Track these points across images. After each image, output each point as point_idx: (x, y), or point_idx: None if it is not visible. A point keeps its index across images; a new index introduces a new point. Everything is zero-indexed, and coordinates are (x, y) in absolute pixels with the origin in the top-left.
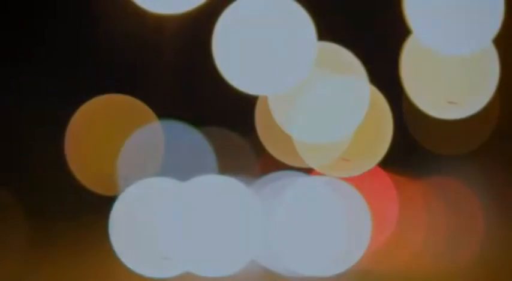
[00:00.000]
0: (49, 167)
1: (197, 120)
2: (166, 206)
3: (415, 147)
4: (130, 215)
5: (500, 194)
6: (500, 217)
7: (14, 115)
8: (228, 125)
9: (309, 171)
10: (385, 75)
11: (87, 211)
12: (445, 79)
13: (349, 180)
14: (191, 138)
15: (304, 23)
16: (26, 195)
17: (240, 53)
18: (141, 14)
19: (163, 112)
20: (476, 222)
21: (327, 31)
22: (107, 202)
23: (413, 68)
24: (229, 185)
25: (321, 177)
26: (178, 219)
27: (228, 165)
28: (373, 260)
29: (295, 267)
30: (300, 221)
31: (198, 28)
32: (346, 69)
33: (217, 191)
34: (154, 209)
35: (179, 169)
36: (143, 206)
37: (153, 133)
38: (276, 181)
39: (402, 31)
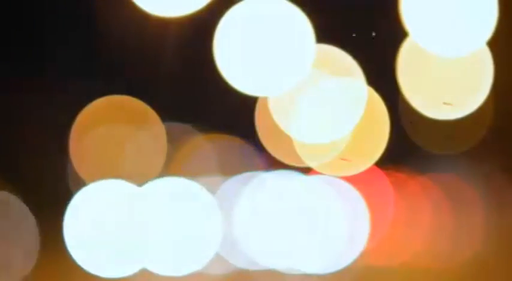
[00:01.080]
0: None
1: (198, 121)
2: (123, 207)
3: (411, 146)
4: (85, 216)
5: (496, 191)
6: (496, 214)
7: (16, 116)
8: (229, 125)
9: (307, 170)
10: (382, 76)
11: (44, 210)
12: (441, 80)
13: (347, 179)
14: (192, 140)
15: (303, 25)
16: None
17: (240, 55)
18: (144, 17)
19: (165, 113)
20: (473, 220)
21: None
22: (62, 201)
23: (409, 69)
24: (187, 186)
25: (319, 176)
26: (136, 219)
27: (227, 164)
28: (370, 258)
29: (294, 265)
30: (298, 220)
31: (199, 31)
32: (344, 71)
33: (175, 192)
34: (110, 210)
35: (178, 169)
36: (99, 206)
37: (155, 134)
38: (274, 179)
39: (399, 33)
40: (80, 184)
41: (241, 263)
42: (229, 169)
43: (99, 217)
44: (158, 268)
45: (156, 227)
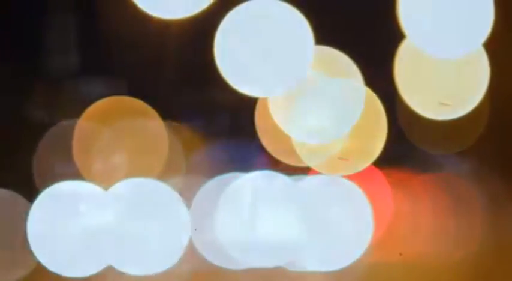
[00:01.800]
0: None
1: (199, 121)
2: (87, 208)
3: (408, 146)
4: (49, 215)
5: (493, 190)
6: (494, 213)
7: (20, 117)
8: (229, 125)
9: (307, 170)
10: (379, 77)
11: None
12: (438, 81)
13: (347, 178)
14: (193, 139)
15: (302, 27)
16: None
17: (240, 56)
18: (145, 19)
19: (167, 114)
20: (471, 218)
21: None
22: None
23: (407, 70)
24: (153, 187)
25: (321, 175)
26: (100, 219)
27: (227, 163)
28: (371, 256)
29: (300, 262)
30: (304, 218)
31: (200, 32)
32: (342, 72)
33: (140, 193)
34: (74, 209)
35: (182, 169)
36: (63, 206)
37: (157, 134)
38: (278, 178)
39: (397, 35)
40: (46, 183)
41: (224, 263)
42: (229, 168)
43: (62, 216)
44: (125, 267)
45: (122, 225)
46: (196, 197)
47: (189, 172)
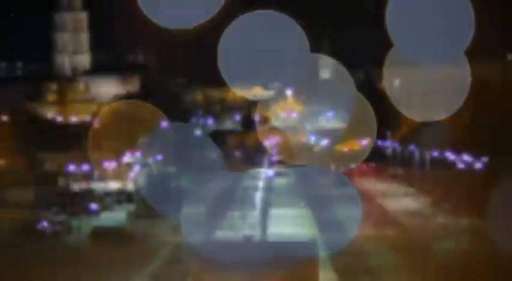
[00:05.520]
0: None
1: (202, 122)
2: None
3: (397, 144)
4: None
5: (477, 186)
6: (475, 207)
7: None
8: (230, 126)
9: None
10: (370, 82)
11: None
12: (423, 86)
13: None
14: (199, 140)
15: (299, 36)
16: None
17: (242, 64)
18: (156, 29)
19: (174, 116)
20: (456, 213)
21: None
22: None
23: (394, 77)
24: None
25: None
26: None
27: (238, 161)
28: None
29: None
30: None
31: (204, 41)
32: (335, 77)
33: None
34: None
35: (189, 166)
36: None
37: (164, 134)
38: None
39: (385, 45)
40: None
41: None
42: (232, 167)
43: None
44: None
45: None
46: (197, 195)
47: (193, 171)
